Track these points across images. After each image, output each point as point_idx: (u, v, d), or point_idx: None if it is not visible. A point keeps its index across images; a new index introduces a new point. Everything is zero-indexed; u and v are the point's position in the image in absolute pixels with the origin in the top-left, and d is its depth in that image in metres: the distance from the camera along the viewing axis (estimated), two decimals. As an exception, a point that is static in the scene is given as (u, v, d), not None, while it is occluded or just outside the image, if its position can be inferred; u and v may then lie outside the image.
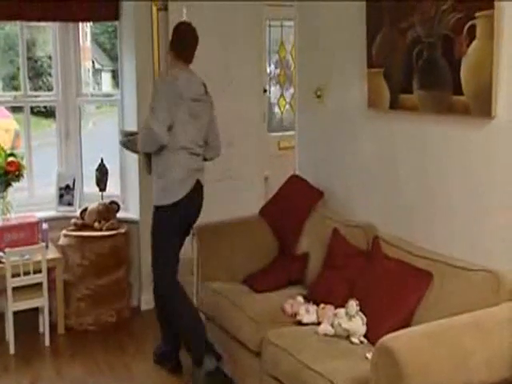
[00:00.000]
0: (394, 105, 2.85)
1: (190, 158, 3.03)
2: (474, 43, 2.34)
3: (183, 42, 3.04)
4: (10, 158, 3.70)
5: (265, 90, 4.58)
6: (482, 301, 2.19)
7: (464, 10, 2.37)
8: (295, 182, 3.57)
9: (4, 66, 5.21)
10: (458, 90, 2.43)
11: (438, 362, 1.89)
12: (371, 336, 2.43)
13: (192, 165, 3.03)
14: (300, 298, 2.86)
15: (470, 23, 2.34)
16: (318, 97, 3.50)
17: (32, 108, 4.37)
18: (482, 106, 2.34)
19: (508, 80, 2.26)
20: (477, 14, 2.31)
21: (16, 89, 4.48)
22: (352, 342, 2.47)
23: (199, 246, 3.30)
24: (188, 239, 3.40)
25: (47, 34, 4.42)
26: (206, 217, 3.61)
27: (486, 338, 1.99)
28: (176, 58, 3.06)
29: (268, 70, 5.28)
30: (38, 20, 4.10)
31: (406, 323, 2.36)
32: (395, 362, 1.84)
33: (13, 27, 4.30)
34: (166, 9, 3.94)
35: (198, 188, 3.06)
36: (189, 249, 3.44)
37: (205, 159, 3.20)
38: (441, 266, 2.45)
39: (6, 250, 3.38)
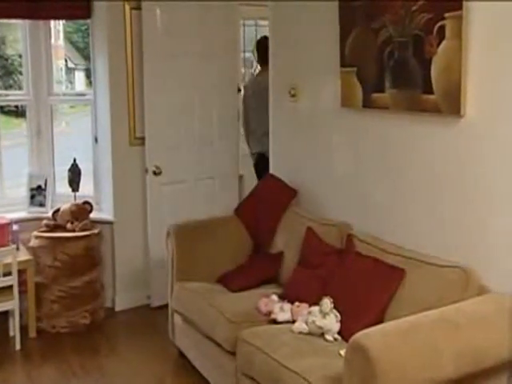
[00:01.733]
0: (367, 103, 2.88)
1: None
2: (444, 43, 2.37)
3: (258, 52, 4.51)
4: (-21, 158, 3.63)
5: (239, 89, 4.58)
6: (452, 296, 2.23)
7: (434, 11, 2.40)
8: (270, 180, 3.58)
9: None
10: (429, 89, 2.47)
11: (410, 358, 1.91)
12: (345, 333, 2.44)
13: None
14: (274, 297, 2.86)
15: (439, 23, 2.38)
16: (292, 96, 3.51)
17: (2, 107, 4.29)
18: (452, 105, 2.38)
19: (476, 79, 2.30)
20: (446, 15, 2.35)
21: (-15, 87, 4.39)
22: (326, 340, 2.48)
23: (174, 245, 3.28)
24: (163, 239, 3.40)
25: (17, 32, 4.34)
26: (181, 216, 3.61)
27: (455, 333, 2.02)
28: None
29: (242, 70, 5.28)
30: (8, 17, 4.03)
31: (379, 319, 2.38)
32: (368, 359, 1.85)
33: (-19, 25, 4.22)
34: (138, 8, 3.90)
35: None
36: (164, 249, 3.43)
37: None
38: (412, 262, 2.48)
39: (-25, 252, 3.31)
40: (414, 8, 2.50)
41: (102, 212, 4.14)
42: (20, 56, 4.31)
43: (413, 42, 2.53)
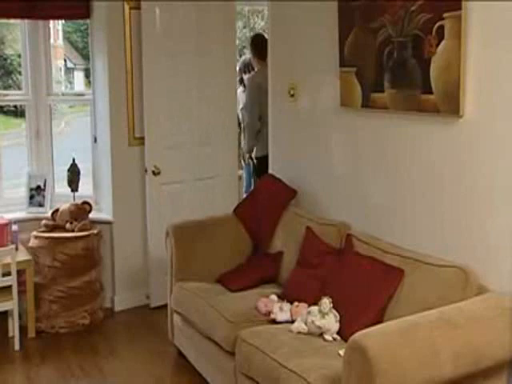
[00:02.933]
0: (366, 103, 2.88)
1: None
2: (443, 43, 2.37)
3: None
4: (-22, 159, 3.62)
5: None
6: (451, 296, 2.23)
7: (433, 11, 2.40)
8: (269, 180, 3.58)
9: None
10: (428, 89, 2.47)
11: (409, 358, 1.91)
12: (344, 333, 2.45)
13: None
14: (274, 297, 2.87)
15: (438, 23, 2.38)
16: (292, 95, 3.51)
17: (1, 107, 4.28)
18: (451, 105, 2.38)
19: (475, 79, 2.30)
20: (445, 15, 2.35)
21: (-15, 87, 4.38)
22: (325, 340, 2.48)
23: (173, 245, 3.28)
24: (162, 239, 3.40)
25: (17, 32, 4.34)
26: (180, 216, 3.61)
27: (454, 333, 2.02)
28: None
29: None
30: (7, 17, 4.03)
31: (378, 319, 2.38)
32: (367, 359, 1.85)
33: (-20, 24, 4.21)
34: (138, 8, 3.90)
35: None
36: (163, 249, 3.43)
37: None
38: (411, 262, 2.48)
39: (-26, 252, 3.31)
40: (413, 8, 2.50)
41: (101, 212, 4.14)
42: (19, 56, 4.31)
43: (412, 42, 2.53)
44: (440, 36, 2.38)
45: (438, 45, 2.39)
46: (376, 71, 2.77)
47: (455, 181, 2.44)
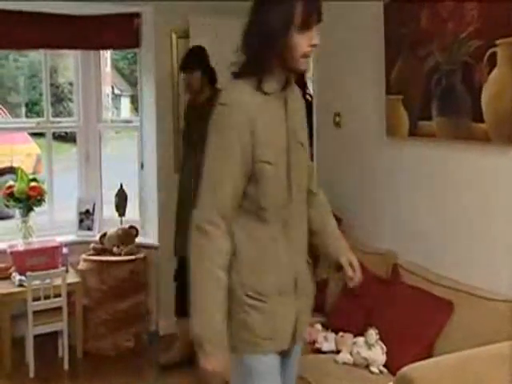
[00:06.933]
0: (413, 132, 2.85)
1: None
2: (495, 70, 2.33)
3: None
4: (33, 183, 3.75)
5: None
6: (503, 331, 2.15)
7: (484, 38, 2.37)
8: (313, 207, 3.56)
9: (27, 92, 5.32)
10: (479, 117, 2.42)
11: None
12: (391, 365, 2.39)
13: None
14: (318, 326, 2.83)
15: (490, 50, 2.35)
16: (336, 123, 3.52)
17: (53, 132, 4.45)
18: (503, 134, 2.33)
19: (529, 108, 2.25)
20: (498, 42, 2.31)
21: (38, 114, 4.56)
22: (371, 372, 2.43)
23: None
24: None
25: (68, 61, 4.51)
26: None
27: (505, 371, 1.94)
28: None
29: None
30: (62, 48, 4.20)
31: (427, 353, 2.32)
32: (417, 394, 1.81)
33: (35, 54, 4.40)
34: (185, 37, 4.00)
35: None
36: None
37: None
38: (461, 295, 2.41)
39: (28, 273, 3.41)
40: (463, 35, 2.48)
41: (148, 237, 4.19)
42: (70, 84, 4.48)
43: (461, 69, 2.51)
44: (492, 63, 2.34)
45: (489, 72, 2.36)
46: (424, 99, 2.75)
47: (507, 210, 2.37)
